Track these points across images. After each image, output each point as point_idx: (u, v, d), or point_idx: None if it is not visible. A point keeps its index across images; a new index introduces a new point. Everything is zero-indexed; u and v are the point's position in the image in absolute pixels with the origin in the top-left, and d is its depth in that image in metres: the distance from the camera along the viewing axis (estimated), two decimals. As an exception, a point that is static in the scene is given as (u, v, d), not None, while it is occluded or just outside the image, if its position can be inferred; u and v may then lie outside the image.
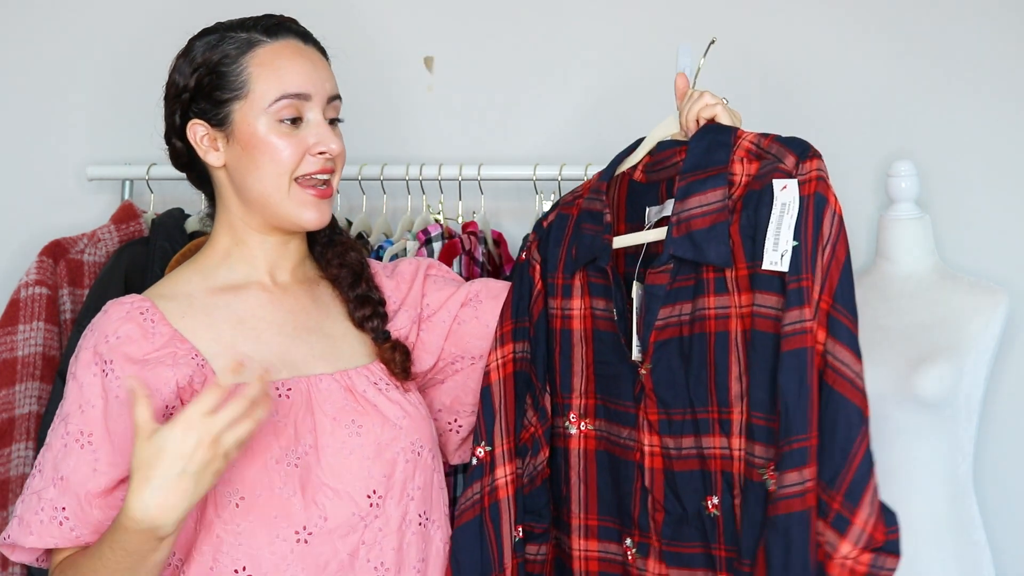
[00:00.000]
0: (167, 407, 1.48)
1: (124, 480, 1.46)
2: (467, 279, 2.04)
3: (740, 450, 1.44)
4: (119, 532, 1.38)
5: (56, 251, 2.13)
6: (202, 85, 1.55)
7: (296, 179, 1.55)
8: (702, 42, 2.26)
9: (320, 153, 1.55)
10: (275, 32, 1.57)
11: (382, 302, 1.66)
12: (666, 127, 1.59)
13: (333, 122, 1.59)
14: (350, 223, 2.21)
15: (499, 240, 2.21)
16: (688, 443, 1.49)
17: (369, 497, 1.51)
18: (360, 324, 1.63)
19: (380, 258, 2.07)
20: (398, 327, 1.68)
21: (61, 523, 1.46)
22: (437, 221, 2.18)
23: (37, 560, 1.51)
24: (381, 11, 2.36)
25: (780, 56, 2.26)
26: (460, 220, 2.18)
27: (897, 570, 1.98)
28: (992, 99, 2.19)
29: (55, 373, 2.06)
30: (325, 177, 1.57)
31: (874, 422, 2.00)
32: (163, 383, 1.48)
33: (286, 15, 1.62)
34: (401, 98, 2.35)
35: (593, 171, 2.07)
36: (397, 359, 1.62)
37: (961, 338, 2.00)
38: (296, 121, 1.54)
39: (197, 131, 1.57)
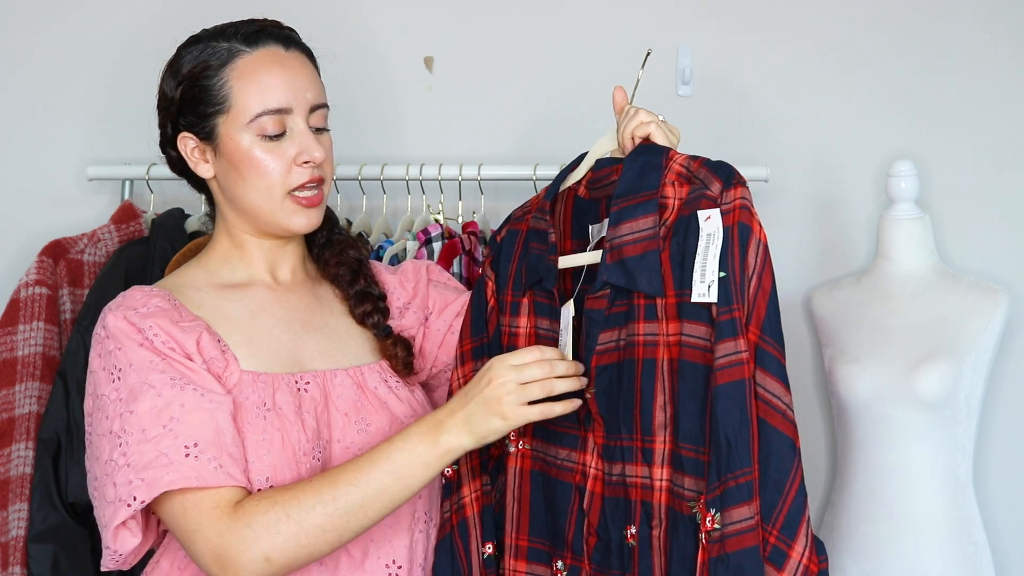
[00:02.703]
0: (188, 356, 1.47)
1: (231, 417, 1.45)
2: (467, 279, 2.05)
3: (662, 480, 1.43)
4: (421, 450, 1.44)
5: (56, 251, 2.13)
6: (187, 98, 1.55)
7: (289, 193, 1.55)
8: (702, 43, 2.28)
9: (305, 163, 1.54)
10: (255, 40, 1.55)
11: (382, 297, 1.66)
12: (605, 143, 1.58)
13: (320, 131, 1.58)
14: (350, 223, 2.21)
15: (499, 240, 2.21)
16: (617, 470, 1.48)
17: None
18: (361, 320, 1.64)
19: (380, 258, 2.07)
20: (407, 325, 1.69)
21: (197, 458, 1.40)
22: (437, 221, 2.17)
23: (131, 553, 1.45)
24: (381, 11, 2.36)
25: (781, 56, 2.26)
26: (460, 220, 2.18)
27: (898, 569, 1.99)
28: (992, 99, 2.19)
29: (55, 373, 2.06)
30: (314, 187, 1.56)
31: (874, 422, 2.01)
32: (194, 351, 1.47)
33: (269, 18, 1.60)
34: (401, 98, 2.35)
35: (592, 171, 2.07)
36: (399, 354, 1.62)
37: (961, 338, 2.00)
38: (279, 136, 1.53)
39: (187, 144, 1.57)
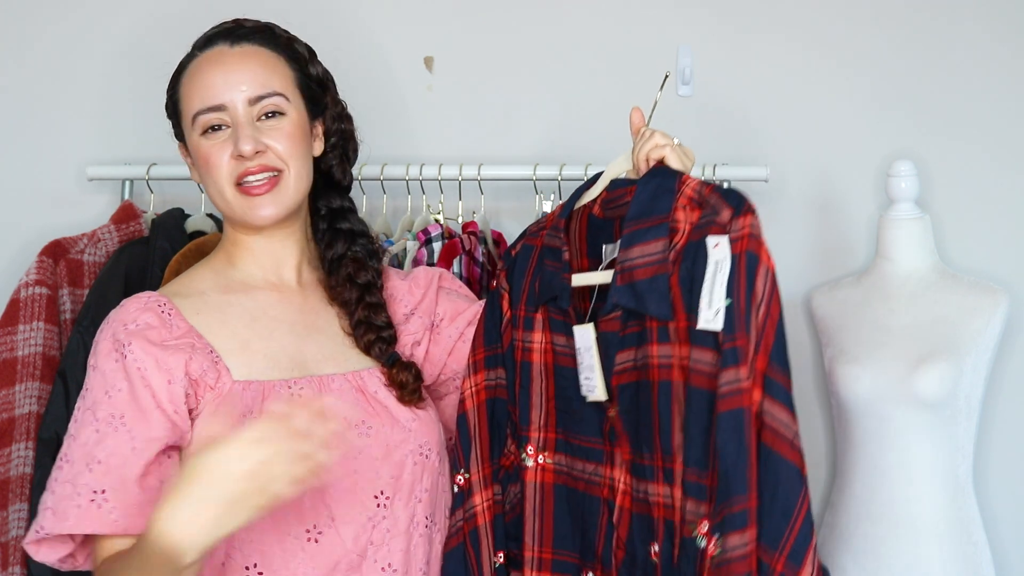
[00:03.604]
0: (170, 383, 1.48)
1: (160, 457, 1.46)
2: (467, 279, 2.05)
3: (679, 500, 1.43)
4: (146, 544, 1.34)
5: (56, 251, 2.13)
6: (167, 111, 1.64)
7: (238, 185, 1.56)
8: (703, 43, 2.28)
9: (239, 156, 1.55)
10: (206, 44, 1.61)
11: (386, 326, 1.64)
12: (621, 164, 1.59)
13: (274, 115, 1.57)
14: (350, 223, 2.20)
15: (499, 240, 2.21)
16: (642, 487, 1.48)
17: (376, 498, 1.52)
18: (366, 350, 1.62)
19: (380, 259, 2.07)
20: (412, 331, 1.69)
21: (100, 506, 1.43)
22: (437, 221, 2.17)
23: (61, 560, 1.49)
24: (381, 11, 2.36)
25: (781, 56, 2.26)
26: (460, 220, 2.18)
27: (898, 569, 1.99)
28: (992, 99, 2.20)
29: (55, 373, 2.06)
30: (260, 178, 1.56)
31: (874, 422, 2.01)
32: (177, 367, 1.49)
33: (244, 18, 1.63)
34: (401, 98, 2.35)
35: (593, 171, 2.06)
36: (409, 381, 1.61)
37: (961, 338, 2.00)
38: (218, 132, 1.57)
39: (184, 152, 1.65)
